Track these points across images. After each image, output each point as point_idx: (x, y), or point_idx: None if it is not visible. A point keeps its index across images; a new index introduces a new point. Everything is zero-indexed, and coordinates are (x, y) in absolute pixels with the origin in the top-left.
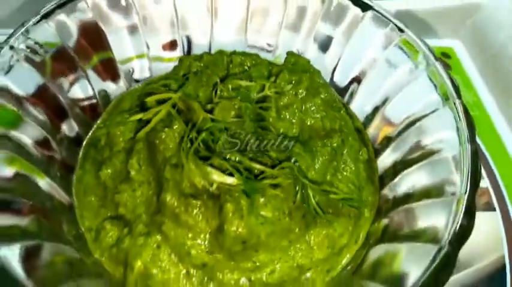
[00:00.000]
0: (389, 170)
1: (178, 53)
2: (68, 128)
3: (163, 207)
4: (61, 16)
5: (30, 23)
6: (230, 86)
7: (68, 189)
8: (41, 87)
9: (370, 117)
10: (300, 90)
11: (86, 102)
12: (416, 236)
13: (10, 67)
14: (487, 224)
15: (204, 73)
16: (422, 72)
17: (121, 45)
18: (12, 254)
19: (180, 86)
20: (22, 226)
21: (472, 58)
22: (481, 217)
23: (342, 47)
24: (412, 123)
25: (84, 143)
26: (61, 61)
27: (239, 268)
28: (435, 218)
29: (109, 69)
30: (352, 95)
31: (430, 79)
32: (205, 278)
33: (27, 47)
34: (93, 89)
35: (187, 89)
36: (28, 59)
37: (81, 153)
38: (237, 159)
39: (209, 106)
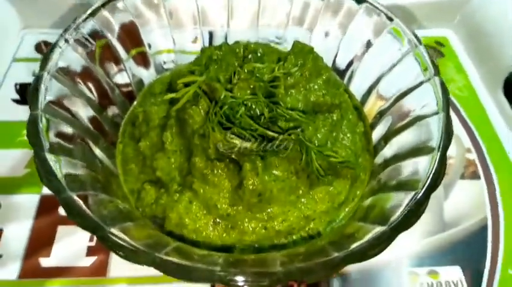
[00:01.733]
0: (381, 140)
1: (199, 46)
2: (111, 108)
3: (193, 169)
4: (105, 13)
5: (80, 19)
6: (246, 69)
7: (112, 159)
8: (89, 71)
9: (366, 96)
10: (305, 72)
11: (124, 88)
12: (401, 185)
13: (64, 55)
14: (472, 190)
15: (224, 60)
16: (409, 54)
17: (153, 40)
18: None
19: (203, 72)
20: (82, 179)
21: (464, 46)
22: (467, 185)
23: (341, 37)
24: (401, 97)
25: (124, 121)
26: (106, 52)
27: (256, 218)
28: (416, 170)
29: (143, 60)
30: (350, 78)
31: (416, 59)
32: (229, 226)
33: (78, 40)
34: (129, 76)
35: (210, 74)
36: (78, 49)
37: (121, 129)
38: (253, 127)
39: (229, 86)
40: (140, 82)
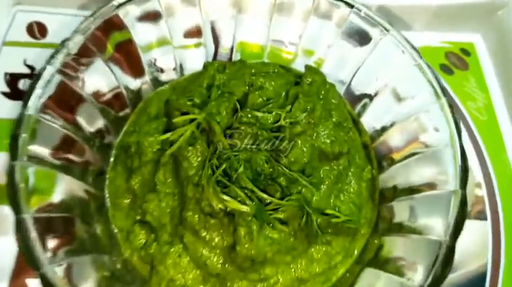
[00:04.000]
0: (390, 190)
1: (202, 55)
2: (96, 128)
3: (185, 222)
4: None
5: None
6: (249, 115)
7: (101, 189)
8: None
9: (379, 132)
10: (314, 120)
11: (109, 98)
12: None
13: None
14: (476, 233)
15: (226, 89)
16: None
17: (141, 31)
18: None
19: (204, 101)
20: None
21: (491, 58)
22: (471, 225)
23: (359, 63)
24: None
25: (116, 144)
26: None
27: (247, 278)
28: (431, 216)
29: (130, 59)
30: (364, 107)
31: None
32: (218, 284)
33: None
34: (117, 81)
35: (210, 106)
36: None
37: (113, 154)
38: (251, 188)
39: (229, 131)
40: (133, 93)
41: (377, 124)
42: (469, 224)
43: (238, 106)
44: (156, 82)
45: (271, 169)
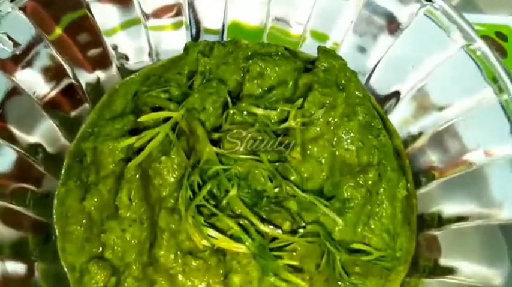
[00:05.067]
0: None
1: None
2: (40, 133)
3: (156, 262)
4: None
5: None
6: (245, 111)
7: (47, 213)
8: None
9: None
10: (333, 119)
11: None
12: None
13: None
14: None
15: (214, 76)
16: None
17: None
18: None
19: (184, 93)
20: None
21: None
22: None
23: (385, 49)
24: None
25: (68, 151)
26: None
27: None
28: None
29: (86, 41)
30: (396, 102)
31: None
32: None
33: None
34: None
35: (191, 100)
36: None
37: (64, 164)
38: (249, 217)
39: (216, 135)
40: (96, 87)
41: (412, 128)
42: None
43: (229, 100)
44: (124, 71)
45: (276, 189)
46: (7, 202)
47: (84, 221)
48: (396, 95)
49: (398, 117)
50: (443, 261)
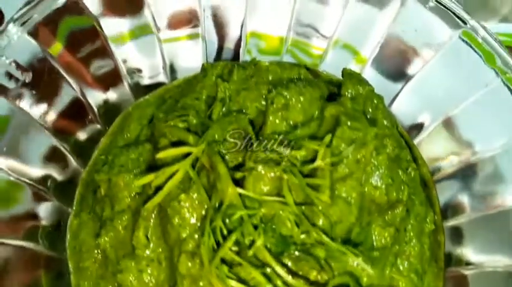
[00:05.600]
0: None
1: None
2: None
3: None
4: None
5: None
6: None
7: (59, 246)
8: None
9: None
10: (364, 157)
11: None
12: None
13: None
14: None
15: (234, 104)
16: None
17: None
18: None
19: (203, 122)
20: None
21: None
22: None
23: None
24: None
25: (81, 179)
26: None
27: None
28: None
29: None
30: (420, 128)
31: None
32: None
33: None
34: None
35: (212, 131)
36: None
37: (77, 193)
38: (275, 268)
39: (239, 174)
40: (108, 108)
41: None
42: None
43: (253, 136)
44: (138, 89)
45: (303, 235)
46: (19, 240)
47: (99, 256)
48: (421, 123)
49: (424, 147)
50: None
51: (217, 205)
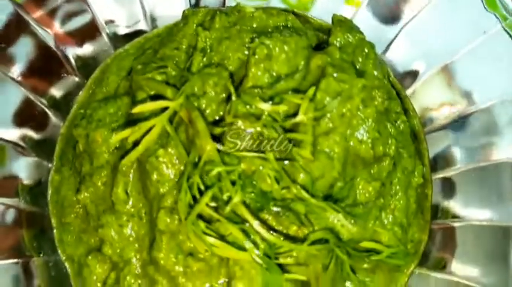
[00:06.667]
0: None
1: None
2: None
3: (157, 265)
4: None
5: None
6: (251, 103)
7: (41, 202)
8: None
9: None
10: (349, 111)
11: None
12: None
13: None
14: None
15: (216, 54)
16: None
17: None
18: None
19: (182, 76)
20: None
21: None
22: None
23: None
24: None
25: (60, 134)
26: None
27: None
28: None
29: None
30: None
31: None
32: None
33: None
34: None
35: (191, 83)
36: None
37: (57, 148)
38: (254, 224)
39: (218, 130)
40: (86, 61)
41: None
42: None
43: (232, 91)
44: (117, 39)
45: (283, 190)
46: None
47: (80, 211)
48: (416, 71)
49: (418, 97)
50: (457, 258)
51: (196, 160)
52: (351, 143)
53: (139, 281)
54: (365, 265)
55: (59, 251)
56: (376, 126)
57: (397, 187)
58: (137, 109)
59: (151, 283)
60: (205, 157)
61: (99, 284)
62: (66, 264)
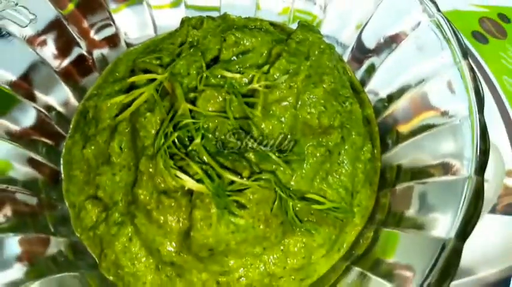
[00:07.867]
0: (392, 172)
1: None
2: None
3: (137, 200)
4: None
5: None
6: (218, 74)
7: (56, 160)
8: None
9: (385, 104)
10: (296, 84)
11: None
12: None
13: None
14: (502, 230)
15: (201, 47)
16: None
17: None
18: None
19: (173, 60)
20: None
21: None
22: (497, 221)
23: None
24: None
25: (77, 109)
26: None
27: (207, 270)
28: (438, 208)
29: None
30: (370, 72)
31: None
32: (174, 274)
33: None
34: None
35: (177, 65)
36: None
37: (73, 121)
38: (211, 163)
39: (192, 95)
40: (104, 58)
41: (383, 92)
42: (494, 220)
43: (203, 64)
44: (130, 42)
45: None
46: (28, 149)
47: (84, 167)
48: (372, 66)
49: (373, 83)
50: (394, 211)
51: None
52: (301, 114)
53: (123, 218)
54: (311, 217)
55: (65, 199)
56: (323, 103)
57: (344, 157)
58: (132, 79)
59: (132, 218)
60: (179, 113)
61: (93, 219)
62: (69, 209)
